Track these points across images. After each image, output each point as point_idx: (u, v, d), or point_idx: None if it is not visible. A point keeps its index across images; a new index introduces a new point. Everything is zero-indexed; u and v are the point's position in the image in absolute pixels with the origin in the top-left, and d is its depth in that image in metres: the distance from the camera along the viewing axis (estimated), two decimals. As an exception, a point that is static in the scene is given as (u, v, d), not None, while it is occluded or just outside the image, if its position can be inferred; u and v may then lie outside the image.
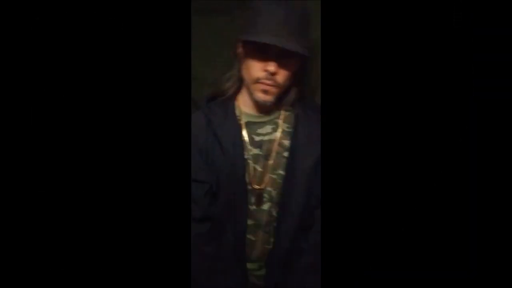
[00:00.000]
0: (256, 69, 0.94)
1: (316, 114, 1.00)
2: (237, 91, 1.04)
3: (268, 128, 1.03)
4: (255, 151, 1.01)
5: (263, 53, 0.93)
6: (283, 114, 1.03)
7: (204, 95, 1.06)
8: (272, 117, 1.03)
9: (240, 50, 0.99)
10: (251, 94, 0.99)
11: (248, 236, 1.01)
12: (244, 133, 1.01)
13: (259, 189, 1.00)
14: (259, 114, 1.02)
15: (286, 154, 1.01)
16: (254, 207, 1.01)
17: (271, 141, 1.02)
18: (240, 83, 1.03)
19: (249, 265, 1.03)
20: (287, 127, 1.03)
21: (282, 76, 0.95)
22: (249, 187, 1.00)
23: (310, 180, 0.99)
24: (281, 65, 0.93)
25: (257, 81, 0.95)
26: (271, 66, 0.92)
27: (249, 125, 1.02)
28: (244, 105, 1.03)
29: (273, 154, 1.01)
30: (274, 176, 1.01)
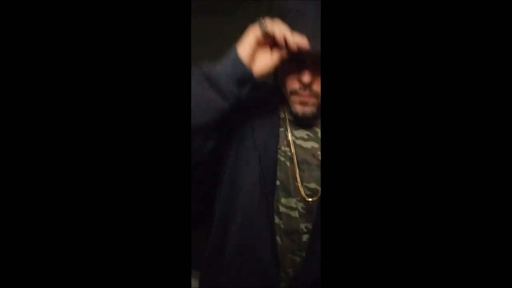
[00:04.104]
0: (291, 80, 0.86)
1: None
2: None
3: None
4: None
5: (297, 61, 0.84)
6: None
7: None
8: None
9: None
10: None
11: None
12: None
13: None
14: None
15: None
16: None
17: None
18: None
19: None
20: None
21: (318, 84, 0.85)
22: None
23: None
24: (316, 72, 0.84)
25: (293, 93, 0.88)
26: (305, 76, 0.84)
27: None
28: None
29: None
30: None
